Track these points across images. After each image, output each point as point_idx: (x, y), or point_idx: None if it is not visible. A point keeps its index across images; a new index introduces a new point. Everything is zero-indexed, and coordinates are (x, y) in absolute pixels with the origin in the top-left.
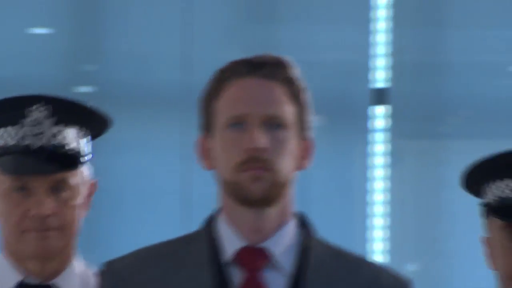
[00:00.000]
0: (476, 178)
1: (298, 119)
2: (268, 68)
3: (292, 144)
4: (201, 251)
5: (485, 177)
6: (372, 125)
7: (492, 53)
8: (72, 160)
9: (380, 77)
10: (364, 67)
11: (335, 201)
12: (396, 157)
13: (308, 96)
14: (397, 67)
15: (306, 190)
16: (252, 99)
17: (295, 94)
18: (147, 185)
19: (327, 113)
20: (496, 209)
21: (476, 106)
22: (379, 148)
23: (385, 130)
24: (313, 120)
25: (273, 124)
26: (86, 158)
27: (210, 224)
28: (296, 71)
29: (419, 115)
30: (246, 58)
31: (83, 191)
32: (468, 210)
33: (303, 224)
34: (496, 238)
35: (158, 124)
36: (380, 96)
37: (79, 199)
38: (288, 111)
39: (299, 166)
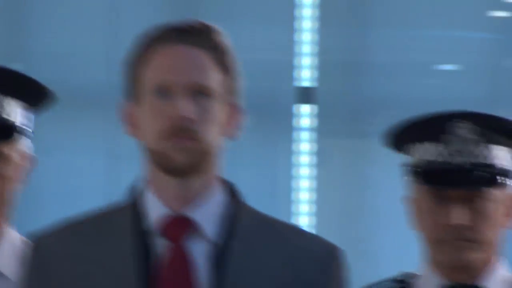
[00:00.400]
0: (404, 137)
1: (225, 87)
2: (195, 35)
3: (218, 112)
4: (124, 221)
5: (414, 137)
6: (298, 124)
7: (417, 53)
8: (7, 130)
9: (305, 76)
10: (289, 66)
11: (260, 199)
12: (321, 156)
13: (236, 63)
14: (323, 67)
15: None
16: (178, 67)
17: (222, 61)
18: (72, 183)
19: (253, 112)
20: (423, 172)
21: (400, 105)
22: (304, 147)
23: (310, 129)
24: (241, 87)
25: (199, 92)
26: (23, 130)
27: (134, 193)
28: (224, 38)
29: (344, 114)
30: (172, 24)
31: (18, 163)
32: (393, 209)
33: (232, 192)
34: (421, 200)
35: (84, 123)
36: (305, 95)
37: (12, 171)
38: (214, 79)
39: (226, 134)
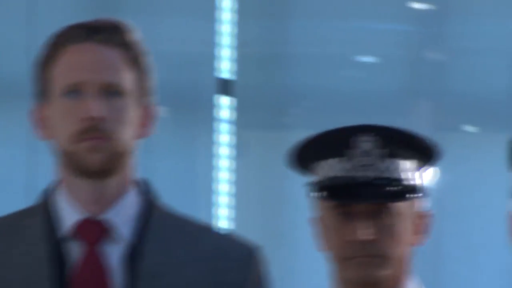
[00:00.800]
0: (304, 157)
1: (138, 85)
2: (105, 33)
3: (131, 112)
4: (37, 225)
5: (313, 155)
6: (218, 115)
7: (336, 45)
8: None
9: (225, 68)
10: (210, 57)
11: (180, 190)
12: (241, 148)
13: (148, 61)
14: (242, 59)
15: (150, 178)
16: (88, 65)
17: (134, 59)
18: None
19: (173, 103)
20: (327, 189)
21: (320, 97)
22: (224, 138)
23: (230, 121)
24: (154, 85)
25: (111, 91)
26: None
27: (47, 196)
28: (136, 35)
29: (263, 106)
30: (82, 22)
31: None
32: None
33: (146, 192)
34: (327, 218)
35: (4, 115)
36: (225, 87)
37: None
38: (126, 77)
39: (140, 134)
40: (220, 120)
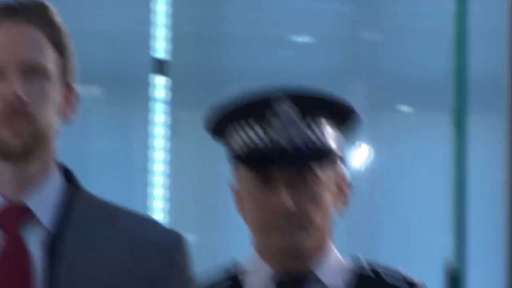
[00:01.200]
0: (224, 123)
1: (61, 67)
2: (28, 13)
3: (54, 93)
4: None
5: (230, 122)
6: (153, 95)
7: (271, 25)
8: None
9: (160, 48)
10: (145, 37)
11: (115, 170)
12: (176, 128)
13: (70, 42)
14: (177, 38)
15: (85, 157)
16: (10, 46)
17: (56, 40)
18: None
19: (108, 83)
20: (246, 157)
21: (255, 77)
22: (160, 118)
23: (165, 101)
24: (75, 67)
25: (34, 72)
26: None
27: None
28: (57, 16)
29: (199, 86)
30: (4, 2)
31: None
32: None
33: (69, 178)
34: (247, 187)
35: None
36: (160, 67)
37: None
38: (50, 58)
39: (63, 117)
40: (155, 100)
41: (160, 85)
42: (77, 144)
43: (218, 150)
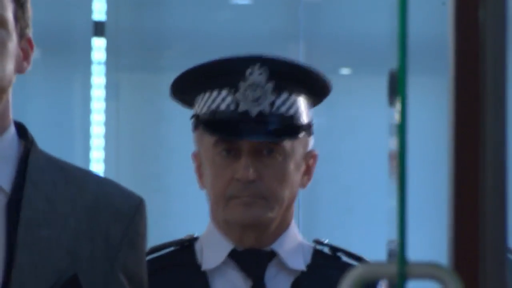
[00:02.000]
0: (186, 88)
1: (19, 19)
2: None
3: (13, 45)
4: None
5: (195, 86)
6: (92, 57)
7: None
8: None
9: (99, 10)
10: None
11: (54, 133)
12: (114, 90)
13: None
14: (116, 0)
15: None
16: None
17: None
18: None
19: (47, 45)
20: (207, 122)
21: (194, 40)
22: (98, 80)
23: (104, 63)
24: (31, 18)
25: None
26: None
27: None
28: None
29: (137, 48)
30: None
31: None
32: (186, 144)
33: (23, 134)
34: (209, 154)
35: None
36: (99, 29)
37: None
38: (9, 9)
39: (20, 69)
40: (94, 62)
41: (98, 47)
42: (16, 106)
43: (158, 112)
